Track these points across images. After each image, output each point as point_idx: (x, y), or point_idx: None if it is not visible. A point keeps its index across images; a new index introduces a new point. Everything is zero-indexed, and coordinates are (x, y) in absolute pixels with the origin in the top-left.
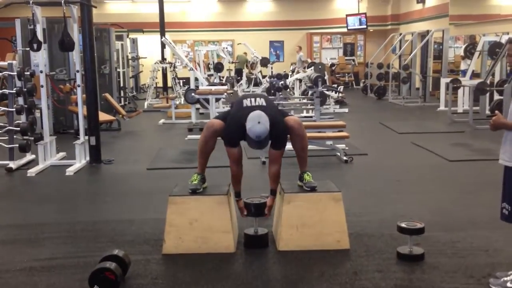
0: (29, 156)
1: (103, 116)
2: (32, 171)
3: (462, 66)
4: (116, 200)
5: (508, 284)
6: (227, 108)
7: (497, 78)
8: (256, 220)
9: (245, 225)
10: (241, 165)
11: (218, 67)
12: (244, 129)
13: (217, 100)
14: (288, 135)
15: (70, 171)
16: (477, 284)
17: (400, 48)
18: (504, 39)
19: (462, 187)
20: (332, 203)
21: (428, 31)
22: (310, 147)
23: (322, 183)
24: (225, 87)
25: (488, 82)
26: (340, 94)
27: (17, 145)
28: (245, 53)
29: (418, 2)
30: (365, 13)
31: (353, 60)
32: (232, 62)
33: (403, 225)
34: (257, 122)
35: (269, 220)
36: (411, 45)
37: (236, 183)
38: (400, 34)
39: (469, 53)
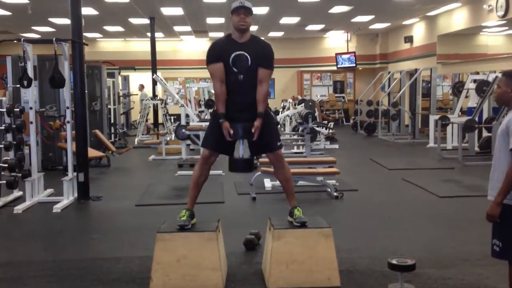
0: (16, 193)
1: (92, 153)
2: (19, 208)
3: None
4: (103, 237)
5: None
6: None
7: (485, 116)
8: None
9: (234, 262)
10: (224, 84)
11: (209, 104)
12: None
13: None
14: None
15: (57, 208)
16: None
17: (389, 85)
18: (491, 77)
19: (453, 223)
20: (322, 239)
21: (416, 70)
22: (301, 183)
23: (312, 219)
24: None
25: (476, 119)
26: (331, 131)
27: (5, 181)
28: None
29: (406, 42)
30: (354, 52)
31: (343, 97)
32: None
33: (394, 261)
34: None
35: (258, 256)
36: (399, 83)
37: (221, 104)
38: (389, 72)
39: (457, 90)
